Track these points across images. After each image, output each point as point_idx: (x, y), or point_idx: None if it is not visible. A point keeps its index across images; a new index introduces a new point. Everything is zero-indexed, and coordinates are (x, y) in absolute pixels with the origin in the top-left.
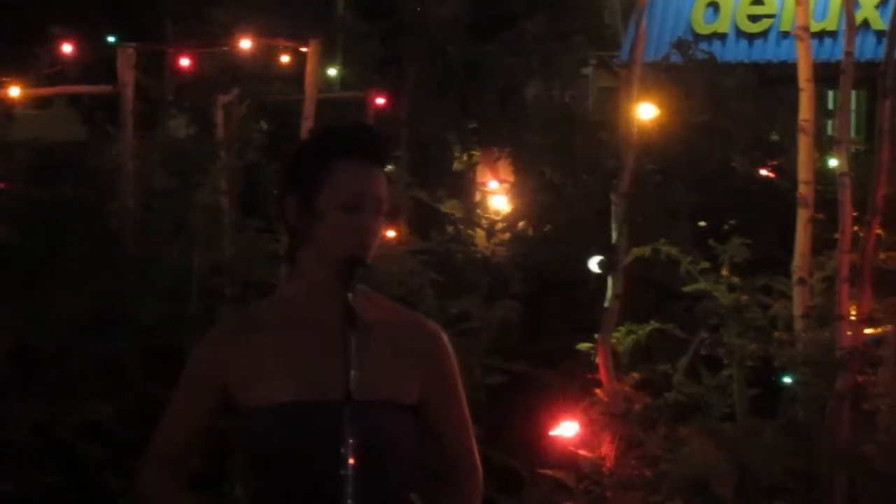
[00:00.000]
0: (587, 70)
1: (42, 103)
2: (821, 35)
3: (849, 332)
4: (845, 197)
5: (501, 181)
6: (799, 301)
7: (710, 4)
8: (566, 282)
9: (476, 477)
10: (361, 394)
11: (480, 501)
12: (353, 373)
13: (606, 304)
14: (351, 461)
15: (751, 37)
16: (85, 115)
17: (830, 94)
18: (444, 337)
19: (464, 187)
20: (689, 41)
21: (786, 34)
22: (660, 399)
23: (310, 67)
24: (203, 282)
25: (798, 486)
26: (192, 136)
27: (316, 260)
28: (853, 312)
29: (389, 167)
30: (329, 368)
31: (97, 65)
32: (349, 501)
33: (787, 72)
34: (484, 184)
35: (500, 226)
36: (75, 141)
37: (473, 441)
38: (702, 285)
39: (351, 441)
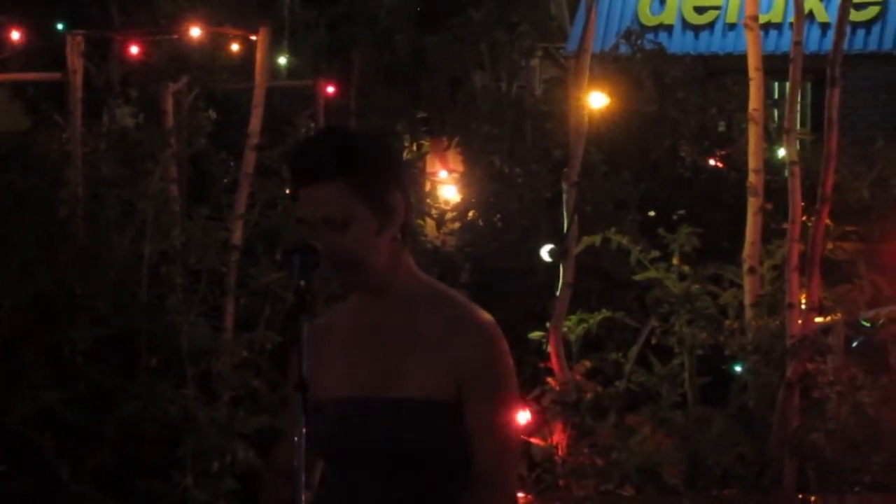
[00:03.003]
0: (534, 61)
1: None
2: (766, 27)
3: (799, 321)
4: (795, 186)
5: (451, 171)
6: (749, 290)
7: None
8: (516, 271)
9: (489, 491)
10: (380, 389)
11: None
12: (305, 361)
13: (557, 293)
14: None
15: (697, 28)
16: (28, 105)
17: (776, 85)
18: (491, 331)
19: (413, 177)
20: (637, 30)
21: (732, 26)
22: (611, 388)
23: (259, 56)
24: (153, 270)
25: (748, 473)
26: (140, 124)
27: None
28: (803, 301)
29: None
30: (366, 364)
31: (41, 53)
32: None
33: (732, 63)
34: (433, 173)
35: (449, 215)
36: (19, 132)
37: (502, 449)
38: (652, 274)
39: (307, 431)
